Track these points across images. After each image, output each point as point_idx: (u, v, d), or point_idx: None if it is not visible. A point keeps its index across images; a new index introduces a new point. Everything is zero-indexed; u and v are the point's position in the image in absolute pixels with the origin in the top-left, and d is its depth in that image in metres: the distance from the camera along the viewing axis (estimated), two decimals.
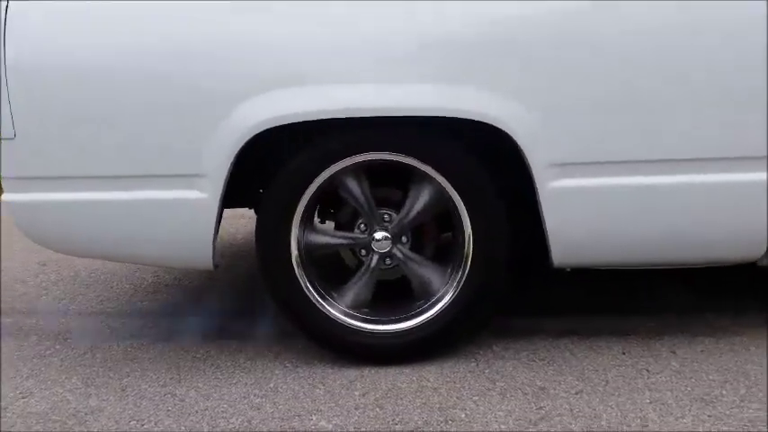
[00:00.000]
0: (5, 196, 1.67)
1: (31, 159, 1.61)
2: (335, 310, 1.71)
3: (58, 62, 1.56)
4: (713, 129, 1.51)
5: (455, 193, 1.62)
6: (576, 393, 1.58)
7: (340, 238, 1.82)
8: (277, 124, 1.51)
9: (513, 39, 1.49)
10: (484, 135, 1.54)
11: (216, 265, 1.69)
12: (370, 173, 1.68)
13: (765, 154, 1.51)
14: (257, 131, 1.52)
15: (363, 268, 1.74)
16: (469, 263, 1.67)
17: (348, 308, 1.72)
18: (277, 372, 1.75)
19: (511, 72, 1.49)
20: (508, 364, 1.74)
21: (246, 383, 1.70)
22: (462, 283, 1.67)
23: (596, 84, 1.49)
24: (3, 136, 1.59)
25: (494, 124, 1.50)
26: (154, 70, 1.55)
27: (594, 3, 1.47)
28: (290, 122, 1.51)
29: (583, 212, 1.59)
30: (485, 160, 1.61)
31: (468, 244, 1.65)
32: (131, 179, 1.62)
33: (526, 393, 1.59)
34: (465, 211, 1.63)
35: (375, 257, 1.72)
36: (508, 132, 1.50)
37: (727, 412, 1.46)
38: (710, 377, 1.62)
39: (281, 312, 1.77)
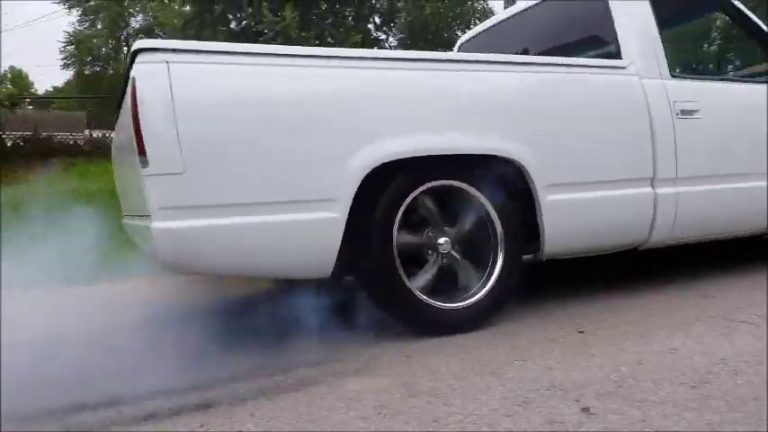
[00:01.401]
0: (158, 224, 1.93)
1: (197, 190, 1.97)
2: (417, 291, 2.30)
3: (224, 112, 2.02)
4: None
5: (491, 207, 2.41)
6: None
7: (419, 239, 2.38)
8: (388, 160, 2.18)
9: (520, 106, 2.50)
10: (502, 167, 2.39)
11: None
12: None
13: None
14: (375, 165, 2.15)
15: (431, 262, 2.38)
16: (500, 256, 2.42)
17: (419, 291, 2.31)
18: None
19: (520, 127, 2.46)
20: None
21: None
22: (499, 270, 2.41)
23: (571, 138, 2.57)
24: (172, 171, 1.92)
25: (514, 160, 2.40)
26: (298, 120, 2.11)
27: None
28: (396, 159, 2.19)
29: (565, 216, 2.54)
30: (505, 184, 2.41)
31: (500, 242, 2.42)
32: (279, 204, 2.08)
33: None
34: (497, 219, 2.41)
35: (438, 256, 2.37)
36: (522, 164, 2.40)
37: None
38: None
39: (380, 301, 2.36)
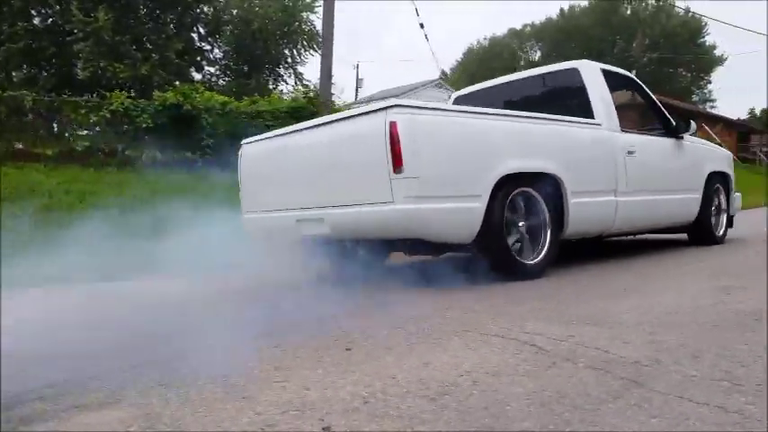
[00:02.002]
0: (400, 206, 3.43)
1: (423, 187, 3.46)
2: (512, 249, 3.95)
3: (439, 144, 3.62)
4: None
5: (544, 205, 4.14)
6: None
7: (512, 221, 3.99)
8: (509, 173, 3.83)
9: (558, 145, 4.30)
10: (549, 180, 4.12)
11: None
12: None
13: None
14: (502, 175, 3.77)
15: (514, 234, 4.02)
16: (549, 233, 4.13)
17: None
18: None
19: (563, 160, 4.22)
20: None
21: None
22: (548, 242, 4.10)
23: (579, 165, 4.39)
24: (413, 176, 3.38)
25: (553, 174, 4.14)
26: (470, 150, 3.78)
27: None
28: (513, 172, 3.87)
29: (578, 211, 4.27)
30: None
31: (548, 226, 4.14)
32: (458, 197, 3.66)
33: None
34: (547, 213, 4.13)
35: (519, 233, 4.05)
36: (562, 180, 4.17)
37: None
38: None
39: (493, 261, 3.89)
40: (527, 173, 4.00)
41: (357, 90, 40.92)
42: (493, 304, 3.21)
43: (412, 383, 1.92)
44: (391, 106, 3.44)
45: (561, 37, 55.56)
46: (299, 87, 15.17)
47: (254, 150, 4.78)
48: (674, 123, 5.57)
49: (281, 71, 31.45)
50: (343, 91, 46.83)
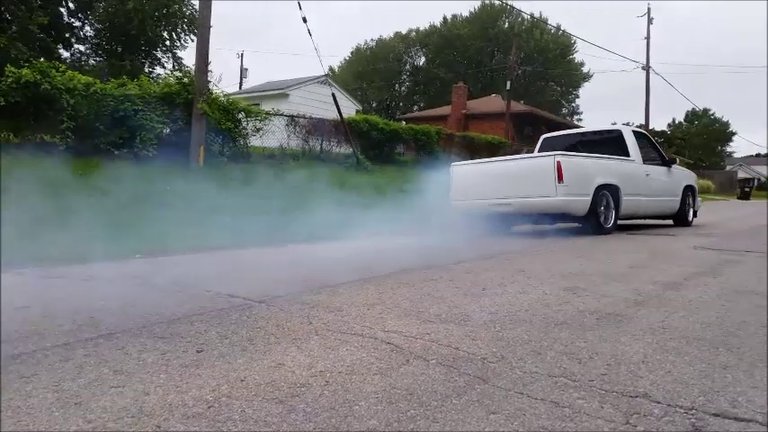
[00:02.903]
0: (560, 198, 7.68)
1: (567, 189, 7.67)
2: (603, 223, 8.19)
3: (571, 169, 7.92)
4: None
5: (612, 200, 8.33)
6: None
7: (600, 206, 8.14)
8: (599, 184, 8.09)
9: (620, 170, 8.64)
10: (615, 188, 8.42)
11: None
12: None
13: None
14: (597, 185, 8.03)
15: (601, 214, 8.25)
16: (613, 214, 8.34)
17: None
18: None
19: (620, 178, 8.50)
20: None
21: None
22: (613, 218, 8.31)
23: (627, 180, 8.68)
24: (566, 184, 7.62)
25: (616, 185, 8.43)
26: (586, 171, 8.12)
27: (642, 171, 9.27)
28: (600, 183, 8.14)
29: (627, 205, 8.58)
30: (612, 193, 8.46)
31: (613, 210, 8.33)
32: (582, 195, 7.83)
33: None
34: (613, 204, 8.32)
35: (602, 212, 8.22)
36: (620, 187, 8.42)
37: None
38: None
39: (591, 225, 8.03)
40: (606, 183, 8.15)
41: (241, 80, 39.83)
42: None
43: (262, 386, 1.86)
44: (557, 154, 7.72)
45: (444, 44, 57.49)
46: (177, 72, 14.38)
47: (461, 168, 9.10)
48: (668, 159, 9.92)
49: (159, 54, 29.85)
50: (220, 79, 45.14)
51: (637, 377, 1.97)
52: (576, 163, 7.82)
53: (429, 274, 4.23)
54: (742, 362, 2.16)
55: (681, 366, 2.10)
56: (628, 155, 8.93)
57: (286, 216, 8.11)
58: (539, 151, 9.87)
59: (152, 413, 1.64)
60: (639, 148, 9.13)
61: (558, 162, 7.51)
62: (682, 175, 10.24)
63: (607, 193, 8.15)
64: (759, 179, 56.01)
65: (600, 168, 8.15)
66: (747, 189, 35.90)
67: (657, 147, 9.89)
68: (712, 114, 69.46)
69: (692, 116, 69.44)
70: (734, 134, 70.10)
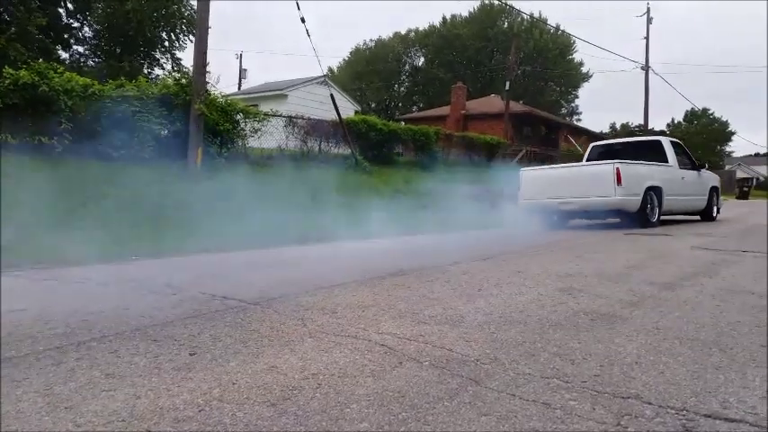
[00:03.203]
0: (618, 198, 9.39)
1: (624, 190, 9.33)
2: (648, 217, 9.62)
3: (627, 175, 9.54)
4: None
5: (657, 199, 10.01)
6: None
7: (647, 204, 9.83)
8: (647, 185, 9.83)
9: (664, 175, 10.40)
10: (659, 189, 10.16)
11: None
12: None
13: None
14: (646, 186, 9.77)
15: (648, 209, 9.96)
16: (657, 210, 10.00)
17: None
18: None
19: (663, 181, 10.21)
20: None
21: None
22: (657, 214, 9.96)
23: (669, 182, 10.47)
24: (623, 186, 9.33)
25: (660, 186, 10.25)
26: (638, 176, 9.78)
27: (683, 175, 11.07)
28: (648, 185, 9.88)
29: (667, 203, 10.30)
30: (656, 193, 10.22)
31: (657, 207, 10.00)
32: (634, 195, 9.49)
33: None
34: (657, 202, 10.00)
35: (649, 208, 9.94)
36: (663, 188, 10.15)
37: None
38: None
39: (640, 220, 9.63)
40: (653, 186, 9.78)
41: (240, 81, 39.85)
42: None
43: (254, 389, 1.86)
44: (616, 162, 9.28)
45: (443, 45, 57.48)
46: (175, 74, 14.37)
47: (528, 173, 10.67)
48: (698, 164, 11.58)
49: (158, 55, 29.84)
50: (218, 80, 45.10)
51: (629, 378, 1.97)
52: (631, 169, 9.48)
53: (425, 275, 4.23)
54: (734, 362, 2.16)
55: (674, 367, 2.10)
56: (666, 161, 10.62)
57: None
58: (588, 157, 12.06)
59: (142, 417, 1.64)
60: (675, 155, 10.84)
61: (618, 168, 9.19)
62: (708, 178, 11.86)
63: (653, 194, 9.82)
64: (758, 178, 56.06)
65: (648, 173, 9.88)
66: (746, 189, 35.92)
67: (689, 153, 11.64)
68: (711, 114, 69.47)
69: (692, 116, 69.38)
70: (733, 134, 70.00)
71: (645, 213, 9.60)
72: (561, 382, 1.93)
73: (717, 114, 70.22)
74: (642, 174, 9.70)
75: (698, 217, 12.06)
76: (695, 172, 11.27)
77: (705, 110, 69.09)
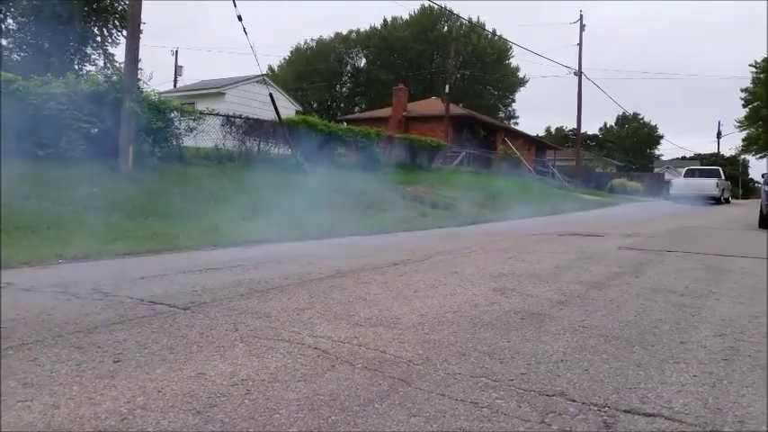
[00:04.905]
0: (717, 192, 25.31)
1: (718, 189, 25.97)
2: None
3: (681, 187, 25.61)
4: None
5: (724, 192, 26.72)
6: None
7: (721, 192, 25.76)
8: (722, 187, 26.40)
9: (723, 183, 27.08)
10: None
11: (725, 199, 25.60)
12: None
13: None
14: (722, 188, 26.22)
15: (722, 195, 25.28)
16: (724, 197, 26.31)
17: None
18: None
19: (723, 185, 26.97)
20: None
21: None
22: (725, 199, 26.62)
23: (724, 187, 27.13)
24: (719, 186, 25.53)
25: (723, 187, 27.81)
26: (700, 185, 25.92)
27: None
28: (723, 188, 26.61)
29: (724, 194, 26.63)
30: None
31: (722, 195, 25.90)
32: (719, 191, 25.34)
33: None
34: (724, 194, 26.45)
35: (722, 195, 26.18)
36: (724, 188, 26.72)
37: None
38: None
39: (723, 201, 25.37)
40: (723, 188, 25.48)
41: (176, 78, 38.75)
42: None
43: (180, 396, 1.81)
44: (715, 179, 24.67)
45: (384, 46, 57.77)
46: (106, 70, 13.85)
47: (677, 180, 26.83)
48: (726, 177, 27.84)
49: (90, 51, 28.62)
50: (151, 77, 43.65)
51: (555, 376, 2.04)
52: (718, 180, 24.05)
53: (363, 276, 4.23)
54: (654, 359, 2.27)
55: (598, 364, 2.18)
56: (721, 177, 24.82)
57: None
58: (685, 174, 26.43)
59: (60, 428, 1.57)
60: (723, 173, 25.59)
61: (716, 181, 23.87)
62: (728, 184, 26.65)
63: (723, 190, 24.08)
64: None
65: (722, 182, 24.43)
66: None
67: (719, 171, 26.05)
68: (641, 118, 72.72)
69: (623, 120, 72.46)
70: (661, 137, 73.58)
71: (721, 198, 23.78)
72: (489, 381, 1.97)
73: (646, 119, 73.60)
74: (720, 183, 24.01)
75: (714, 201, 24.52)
76: (728, 182, 24.71)
77: (635, 114, 72.24)
